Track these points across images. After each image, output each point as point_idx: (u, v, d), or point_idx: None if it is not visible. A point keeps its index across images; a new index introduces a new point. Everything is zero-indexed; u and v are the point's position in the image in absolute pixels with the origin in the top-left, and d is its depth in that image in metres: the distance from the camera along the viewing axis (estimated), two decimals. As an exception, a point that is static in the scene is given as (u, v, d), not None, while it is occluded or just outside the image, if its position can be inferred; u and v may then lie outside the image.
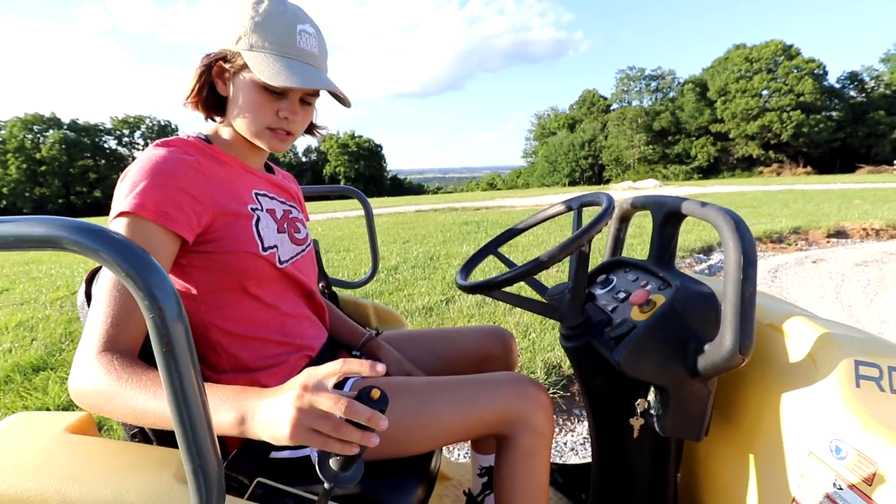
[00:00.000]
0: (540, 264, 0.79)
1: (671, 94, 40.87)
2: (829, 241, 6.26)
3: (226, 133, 0.82)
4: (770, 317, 0.79)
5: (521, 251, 5.50)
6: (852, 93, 36.25)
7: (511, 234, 1.09)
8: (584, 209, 0.98)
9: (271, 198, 0.86)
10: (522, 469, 0.81)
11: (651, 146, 39.08)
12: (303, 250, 0.89)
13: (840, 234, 6.54)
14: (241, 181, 0.81)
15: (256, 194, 0.82)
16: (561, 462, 1.35)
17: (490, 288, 0.84)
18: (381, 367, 0.52)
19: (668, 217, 0.86)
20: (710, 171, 38.33)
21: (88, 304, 0.77)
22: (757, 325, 0.71)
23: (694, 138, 38.78)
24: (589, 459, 1.35)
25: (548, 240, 6.20)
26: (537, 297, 0.90)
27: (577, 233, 0.78)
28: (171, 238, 0.67)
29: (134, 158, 0.71)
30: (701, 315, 0.74)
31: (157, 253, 0.65)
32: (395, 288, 4.28)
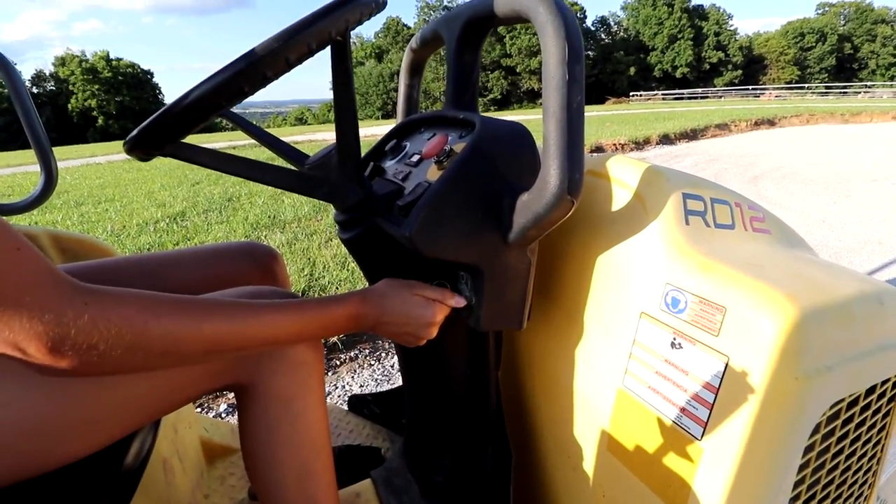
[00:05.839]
0: (258, 59, 0.41)
1: (468, 27, 42.67)
2: (591, 155, 7.57)
3: None
4: (589, 164, 0.63)
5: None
6: (602, 35, 43.67)
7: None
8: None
9: None
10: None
11: (455, 79, 40.83)
12: None
13: (599, 149, 7.99)
14: None
15: None
16: (375, 392, 1.14)
17: (172, 132, 0.44)
18: None
19: (466, 36, 0.61)
20: (503, 103, 42.30)
21: None
22: None
23: (489, 72, 41.84)
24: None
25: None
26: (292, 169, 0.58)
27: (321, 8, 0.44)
28: None
29: None
30: (513, 156, 0.53)
31: None
32: (183, 237, 3.53)
